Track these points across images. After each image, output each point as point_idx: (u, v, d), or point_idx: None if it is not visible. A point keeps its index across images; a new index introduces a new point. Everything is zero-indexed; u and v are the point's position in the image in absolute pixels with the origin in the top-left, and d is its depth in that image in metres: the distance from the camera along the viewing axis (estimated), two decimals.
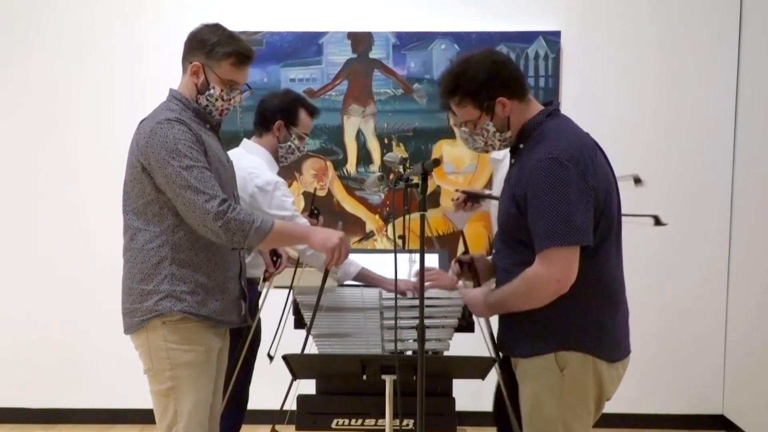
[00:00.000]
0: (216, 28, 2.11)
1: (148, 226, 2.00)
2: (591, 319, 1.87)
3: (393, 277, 2.08)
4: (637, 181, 2.78)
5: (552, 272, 1.79)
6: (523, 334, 1.92)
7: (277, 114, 2.66)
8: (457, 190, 2.93)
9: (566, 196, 1.77)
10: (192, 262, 2.02)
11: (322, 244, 2.09)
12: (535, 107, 1.97)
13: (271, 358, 2.27)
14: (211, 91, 2.08)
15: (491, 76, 1.90)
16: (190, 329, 2.03)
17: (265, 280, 2.38)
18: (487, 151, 2.06)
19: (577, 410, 1.89)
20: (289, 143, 2.68)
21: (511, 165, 2.02)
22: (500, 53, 2.03)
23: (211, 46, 2.05)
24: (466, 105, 1.94)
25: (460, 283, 2.23)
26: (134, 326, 2.03)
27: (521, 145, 1.96)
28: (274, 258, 2.32)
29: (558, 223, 1.77)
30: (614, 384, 1.95)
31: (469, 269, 2.22)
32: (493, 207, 2.77)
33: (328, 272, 2.17)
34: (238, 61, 2.08)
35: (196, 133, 2.01)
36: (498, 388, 2.48)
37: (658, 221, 2.86)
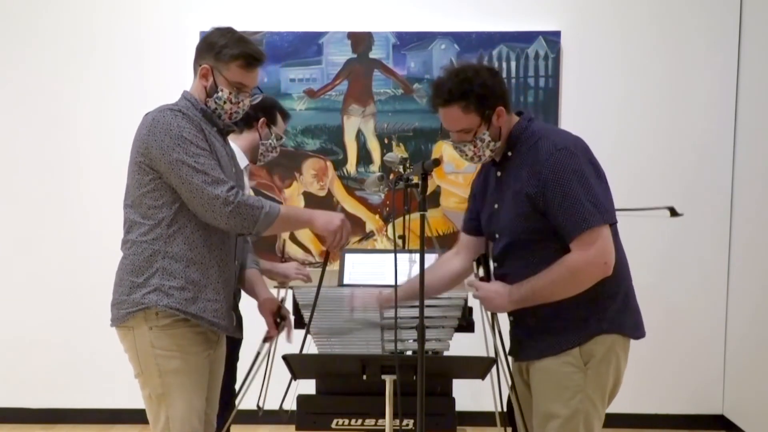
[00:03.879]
0: (226, 31, 2.08)
1: (143, 219, 1.98)
2: (616, 299, 1.91)
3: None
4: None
5: (597, 254, 1.82)
6: (550, 332, 1.92)
7: (259, 112, 2.70)
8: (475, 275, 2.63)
9: (587, 180, 1.83)
10: (185, 256, 1.98)
11: (324, 227, 2.07)
12: (515, 117, 2.03)
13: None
14: (219, 93, 2.06)
15: (496, 85, 1.95)
16: (177, 335, 2.00)
17: (265, 341, 2.35)
18: (472, 161, 2.03)
19: (597, 404, 1.92)
20: (270, 141, 2.73)
21: (498, 176, 2.03)
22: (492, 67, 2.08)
23: (219, 48, 2.03)
24: (470, 111, 1.93)
25: (471, 276, 2.18)
26: (120, 318, 2.01)
27: (509, 153, 1.99)
28: (278, 320, 2.28)
29: (589, 205, 1.81)
30: (623, 374, 1.98)
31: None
32: None
33: (328, 255, 2.16)
34: (246, 64, 2.05)
35: (198, 124, 2.00)
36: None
37: (674, 212, 2.88)
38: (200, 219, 1.97)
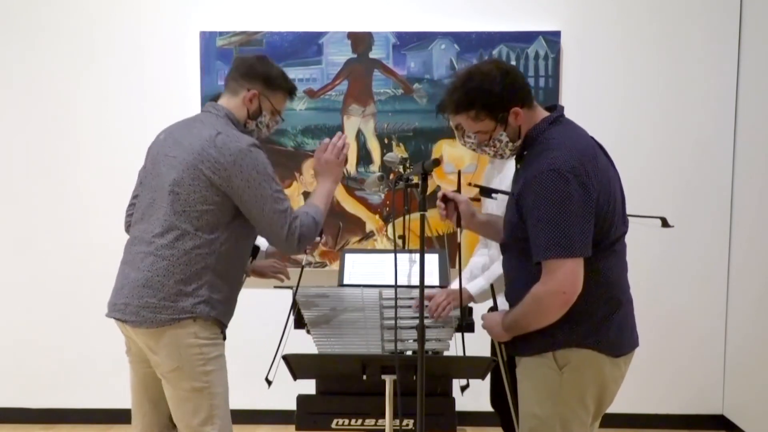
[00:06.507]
0: (271, 62, 2.28)
1: (197, 232, 2.08)
2: (593, 316, 1.88)
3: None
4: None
5: (557, 284, 1.80)
6: (526, 334, 1.92)
7: None
8: (470, 184, 2.85)
9: (566, 209, 1.78)
10: (227, 274, 2.14)
11: (336, 175, 2.35)
12: (540, 113, 1.97)
13: (269, 382, 2.27)
14: (263, 118, 2.26)
15: (505, 87, 1.90)
16: (213, 324, 2.13)
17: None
18: (495, 158, 2.08)
19: (576, 409, 1.90)
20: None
21: (517, 171, 2.02)
22: (505, 62, 2.01)
23: (272, 78, 2.24)
24: (482, 118, 1.92)
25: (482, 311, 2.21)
26: (156, 322, 2.05)
27: (525, 152, 1.97)
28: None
29: (558, 235, 1.78)
30: (617, 383, 1.96)
31: (455, 209, 2.18)
32: (489, 205, 2.76)
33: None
34: (290, 95, 2.31)
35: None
36: (494, 381, 2.50)
37: (665, 223, 2.88)
38: (271, 243, 2.23)
